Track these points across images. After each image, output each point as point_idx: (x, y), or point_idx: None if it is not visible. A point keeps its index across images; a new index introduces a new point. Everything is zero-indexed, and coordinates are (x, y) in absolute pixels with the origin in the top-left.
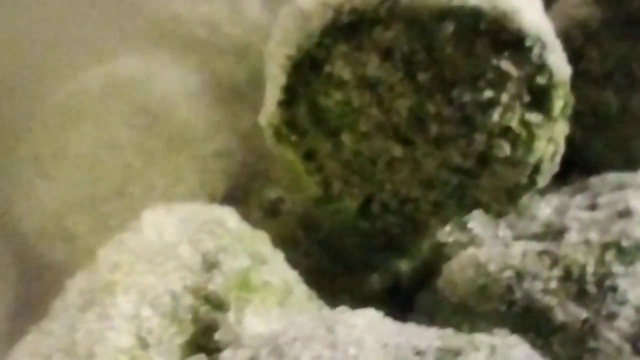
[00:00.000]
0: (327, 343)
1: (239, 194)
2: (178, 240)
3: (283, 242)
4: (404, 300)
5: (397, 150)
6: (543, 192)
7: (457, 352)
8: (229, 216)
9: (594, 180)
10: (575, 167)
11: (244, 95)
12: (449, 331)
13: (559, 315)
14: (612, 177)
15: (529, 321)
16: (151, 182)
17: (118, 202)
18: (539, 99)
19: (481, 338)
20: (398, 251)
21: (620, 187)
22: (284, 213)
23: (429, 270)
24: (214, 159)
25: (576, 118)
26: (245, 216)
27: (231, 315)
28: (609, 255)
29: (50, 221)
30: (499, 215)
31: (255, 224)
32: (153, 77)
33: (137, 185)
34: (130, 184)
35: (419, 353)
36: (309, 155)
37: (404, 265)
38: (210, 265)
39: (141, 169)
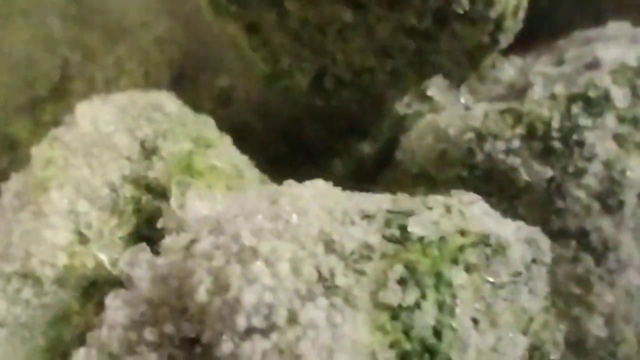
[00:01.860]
0: (269, 215)
1: (185, 84)
2: (114, 129)
3: (239, 132)
4: (368, 184)
5: (348, 16)
6: (507, 55)
7: (409, 213)
8: (168, 100)
9: (562, 41)
10: (544, 34)
11: None
12: (403, 195)
13: (523, 176)
14: (579, 34)
15: (492, 184)
16: (91, 78)
17: (59, 102)
18: None
19: (436, 198)
20: (360, 133)
21: (587, 41)
22: (237, 101)
23: (393, 150)
24: (155, 47)
25: None
26: (196, 107)
27: (173, 201)
28: (576, 108)
29: None
30: (460, 80)
31: (207, 114)
32: None
33: (77, 82)
34: (69, 82)
35: (367, 217)
36: (252, 28)
37: (366, 148)
38: (149, 151)
39: (80, 64)
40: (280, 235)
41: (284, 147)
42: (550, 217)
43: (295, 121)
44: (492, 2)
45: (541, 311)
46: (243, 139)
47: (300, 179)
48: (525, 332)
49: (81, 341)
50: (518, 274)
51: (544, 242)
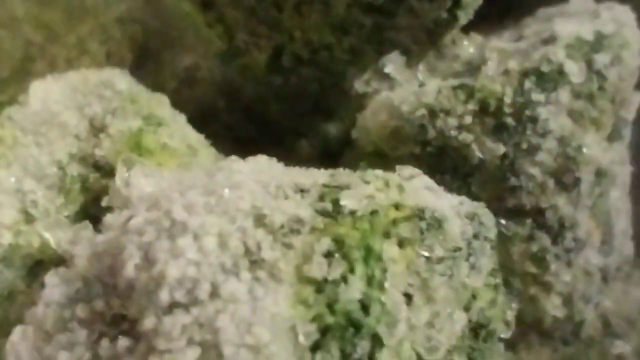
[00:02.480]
0: (203, 190)
1: (149, 63)
2: (64, 108)
3: (202, 113)
4: (336, 165)
5: None
6: (467, 30)
7: (344, 187)
8: (120, 78)
9: (526, 19)
10: (512, 12)
11: None
12: (344, 170)
13: (476, 152)
14: (543, 11)
15: (445, 162)
16: (53, 58)
17: (21, 82)
18: None
19: (375, 173)
20: (326, 114)
21: (550, 18)
22: (201, 81)
23: None
24: (117, 26)
25: None
26: (159, 87)
27: (117, 178)
28: (529, 83)
29: None
30: (419, 57)
31: (169, 95)
32: None
33: (40, 62)
34: (32, 61)
35: (301, 191)
36: (207, 4)
37: (332, 129)
38: (97, 129)
39: (42, 44)
40: (211, 210)
41: (250, 128)
42: (504, 195)
43: (260, 101)
44: None
45: (487, 289)
46: (208, 119)
47: None
48: (467, 309)
49: None
50: (457, 249)
51: (488, 218)
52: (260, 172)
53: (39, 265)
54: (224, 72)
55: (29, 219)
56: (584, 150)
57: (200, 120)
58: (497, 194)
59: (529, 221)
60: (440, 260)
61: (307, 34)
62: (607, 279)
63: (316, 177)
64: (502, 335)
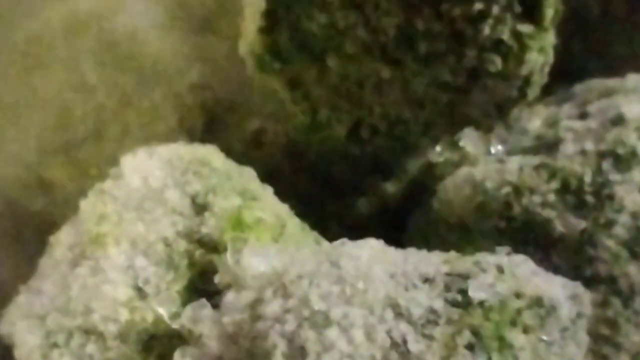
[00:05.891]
0: (334, 279)
1: (218, 128)
2: (164, 185)
3: (268, 173)
4: (392, 222)
5: (385, 72)
6: (530, 103)
7: (466, 276)
8: (214, 155)
9: (579, 88)
10: (556, 77)
11: (214, 25)
12: (453, 254)
13: (558, 227)
14: (597, 83)
15: (529, 235)
16: (127, 123)
17: (94, 146)
18: (530, 9)
19: (487, 259)
20: (385, 173)
21: (608, 93)
22: (266, 144)
23: (418, 191)
24: (189, 93)
25: (557, 24)
26: (227, 150)
27: (229, 257)
28: (606, 164)
29: (26, 171)
30: (488, 130)
31: (237, 157)
32: (117, 11)
33: (113, 126)
34: (105, 126)
35: (427, 280)
36: (293, 83)
37: (391, 188)
38: (200, 207)
39: (115, 109)
40: (348, 301)
41: (311, 186)
42: (582, 265)
43: (322, 161)
44: (523, 60)
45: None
46: (273, 180)
47: (327, 217)
48: None
49: None
50: (566, 329)
51: (586, 297)
52: (377, 257)
53: (152, 339)
54: (289, 134)
55: (142, 295)
56: None
57: (267, 181)
58: (575, 263)
59: (603, 288)
60: (554, 341)
61: (386, 109)
62: None
63: (435, 264)
64: None
